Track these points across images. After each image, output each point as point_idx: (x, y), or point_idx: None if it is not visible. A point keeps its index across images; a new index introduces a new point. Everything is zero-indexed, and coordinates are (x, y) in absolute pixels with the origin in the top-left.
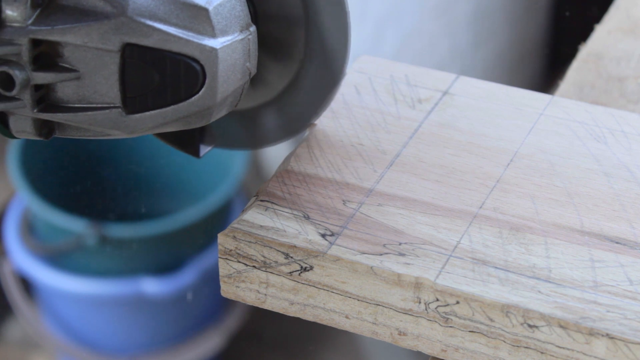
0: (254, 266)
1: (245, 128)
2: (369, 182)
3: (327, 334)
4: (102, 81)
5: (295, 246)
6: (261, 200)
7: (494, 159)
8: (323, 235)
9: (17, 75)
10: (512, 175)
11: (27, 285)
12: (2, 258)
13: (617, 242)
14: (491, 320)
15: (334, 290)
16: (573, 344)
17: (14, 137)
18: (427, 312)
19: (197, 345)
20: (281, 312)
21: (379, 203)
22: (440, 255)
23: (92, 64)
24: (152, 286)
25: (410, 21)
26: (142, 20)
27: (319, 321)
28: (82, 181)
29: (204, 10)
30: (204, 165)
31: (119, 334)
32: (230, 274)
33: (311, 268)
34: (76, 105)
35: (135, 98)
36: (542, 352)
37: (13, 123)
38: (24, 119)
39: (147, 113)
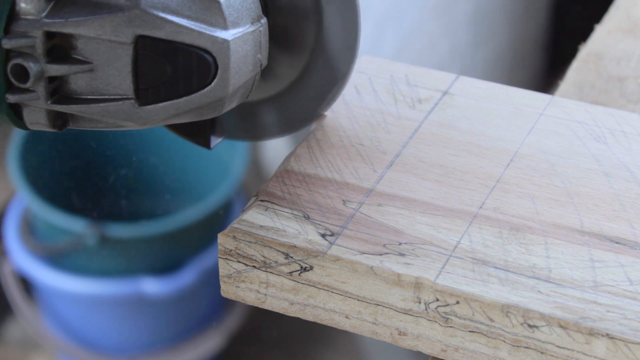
0: (254, 266)
1: (253, 120)
2: (369, 182)
3: (327, 334)
4: (115, 73)
5: (295, 246)
6: (261, 200)
7: (494, 159)
8: (323, 235)
9: (32, 67)
10: (512, 175)
11: (27, 285)
12: (2, 258)
13: (617, 242)
14: (491, 320)
15: (334, 290)
16: (573, 344)
17: (27, 129)
18: (427, 312)
19: (197, 345)
20: (281, 312)
21: (379, 203)
22: (440, 255)
23: (105, 56)
24: (152, 286)
25: (410, 21)
26: (155, 12)
27: (319, 321)
28: (82, 181)
29: (216, 2)
30: (204, 165)
31: (119, 334)
32: (230, 274)
33: (311, 268)
34: (89, 97)
35: (147, 90)
36: (542, 352)
37: (27, 115)
38: (37, 111)
39: (160, 104)
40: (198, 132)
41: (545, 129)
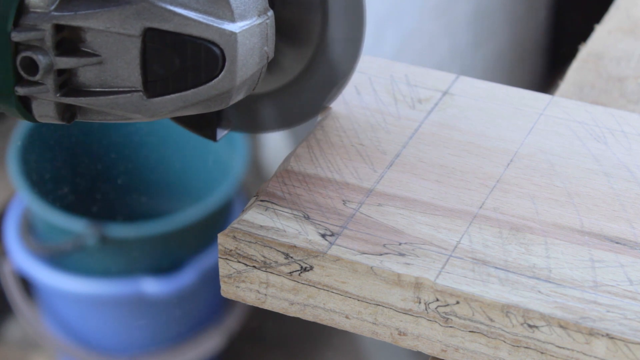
0: (254, 266)
1: (258, 112)
2: (369, 182)
3: (327, 334)
4: (124, 65)
5: (295, 246)
6: (261, 200)
7: (494, 159)
8: (323, 235)
9: (41, 60)
10: (512, 175)
11: (27, 285)
12: (2, 258)
13: (617, 242)
14: (491, 320)
15: (334, 290)
16: (573, 344)
17: (36, 121)
18: (427, 312)
19: (197, 345)
20: (281, 312)
21: (379, 203)
22: (440, 255)
23: (113, 49)
24: (152, 286)
25: (410, 21)
26: (163, 5)
27: (319, 321)
28: (82, 181)
29: None
30: (204, 165)
31: (119, 334)
32: (230, 274)
33: (311, 268)
34: (98, 90)
35: (156, 82)
36: (542, 352)
37: (36, 107)
38: (46, 104)
39: (168, 97)
40: (204, 125)
41: (545, 129)
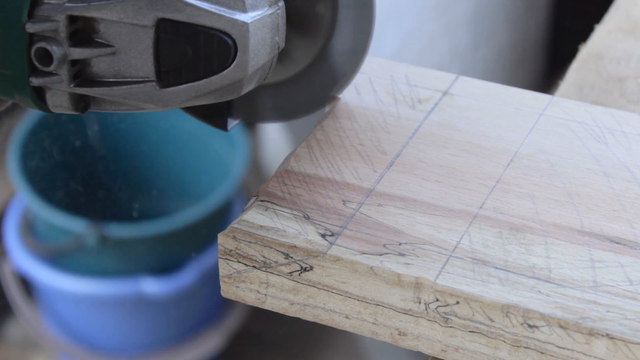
0: (254, 266)
1: (269, 102)
2: (369, 182)
3: (327, 334)
4: (137, 56)
5: (295, 246)
6: (261, 201)
7: (494, 159)
8: (323, 236)
9: (55, 51)
10: (512, 175)
11: (27, 285)
12: (2, 258)
13: (617, 242)
14: (491, 320)
15: (334, 291)
16: (573, 344)
17: (50, 112)
18: (427, 312)
19: (197, 345)
20: (281, 312)
21: (379, 203)
22: (440, 255)
23: (127, 39)
24: (152, 286)
25: (410, 21)
26: None
27: (319, 321)
28: (82, 181)
29: None
30: (204, 165)
31: (119, 334)
32: (230, 274)
33: (311, 268)
34: (111, 80)
35: (169, 72)
36: (542, 352)
37: (50, 98)
38: (60, 94)
39: (181, 86)
40: (215, 115)
41: (545, 129)
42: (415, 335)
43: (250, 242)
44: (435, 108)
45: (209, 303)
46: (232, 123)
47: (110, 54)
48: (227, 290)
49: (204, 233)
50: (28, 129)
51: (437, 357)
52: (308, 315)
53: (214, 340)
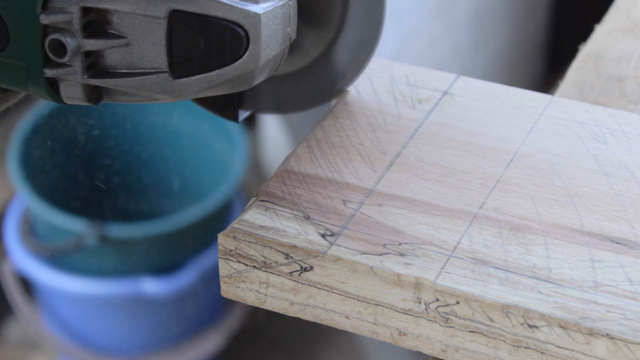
0: (254, 266)
1: (279, 93)
2: (369, 182)
3: (327, 334)
4: (150, 47)
5: (295, 246)
6: (261, 201)
7: (494, 159)
8: (323, 236)
9: (69, 42)
10: (512, 175)
11: (27, 285)
12: (2, 258)
13: (617, 242)
14: (491, 320)
15: (334, 291)
16: (573, 344)
17: (64, 103)
18: (427, 312)
19: (197, 345)
20: (281, 312)
21: (379, 203)
22: (440, 255)
23: (140, 31)
24: (152, 286)
25: (410, 21)
26: None
27: (319, 321)
28: (82, 181)
29: None
30: (204, 165)
31: (119, 334)
32: (231, 274)
33: (311, 268)
34: (124, 71)
35: (181, 63)
36: (542, 352)
37: (63, 89)
38: (74, 85)
39: (193, 77)
40: (226, 106)
41: (545, 129)
42: (415, 335)
43: (250, 242)
44: (435, 108)
45: (209, 303)
46: (243, 114)
47: (123, 45)
48: (227, 290)
49: (204, 233)
50: (28, 129)
51: (437, 357)
52: (308, 315)
53: (214, 340)
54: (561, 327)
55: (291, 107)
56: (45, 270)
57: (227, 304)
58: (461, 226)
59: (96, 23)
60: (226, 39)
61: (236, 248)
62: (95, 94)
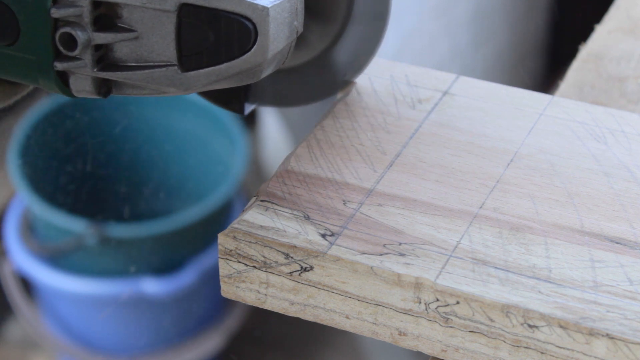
0: (254, 266)
1: (285, 86)
2: (369, 182)
3: (327, 334)
4: (159, 40)
5: (295, 246)
6: (261, 201)
7: (494, 159)
8: (323, 236)
9: (79, 35)
10: (512, 176)
11: (27, 285)
12: (2, 258)
13: (617, 242)
14: (491, 320)
15: (334, 291)
16: (573, 344)
17: (73, 96)
18: (427, 312)
19: (197, 345)
20: (281, 312)
21: (379, 203)
22: (441, 255)
23: (149, 24)
24: (152, 286)
25: (410, 21)
26: None
27: (319, 321)
28: (82, 181)
29: None
30: (204, 165)
31: (119, 334)
32: (231, 274)
33: (311, 268)
34: (134, 64)
35: (190, 56)
36: (542, 352)
37: (73, 82)
38: (84, 78)
39: (202, 70)
40: (233, 99)
41: (545, 129)
42: (415, 335)
43: (250, 242)
44: (435, 108)
45: (209, 303)
46: (249, 107)
47: (133, 38)
48: (227, 290)
49: (204, 233)
50: (28, 129)
51: (437, 357)
52: (308, 315)
53: (214, 340)
54: (561, 327)
55: (296, 100)
56: (45, 270)
57: (227, 304)
58: (461, 226)
59: (106, 16)
60: (235, 32)
61: (236, 248)
62: (104, 87)
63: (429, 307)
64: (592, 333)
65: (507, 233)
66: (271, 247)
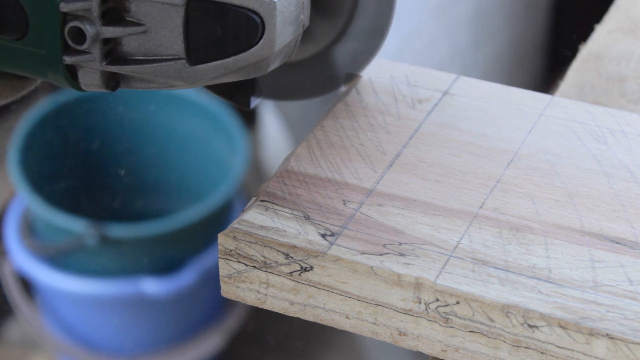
0: (254, 266)
1: (290, 80)
2: (369, 182)
3: (327, 334)
4: (167, 34)
5: (295, 246)
6: (261, 201)
7: (494, 159)
8: (323, 236)
9: (88, 29)
10: (512, 176)
11: (27, 285)
12: (2, 258)
13: (617, 242)
14: (491, 320)
15: (334, 291)
16: (573, 344)
17: (82, 90)
18: (427, 312)
19: (197, 345)
20: (281, 312)
21: (379, 203)
22: (441, 255)
23: (157, 18)
24: (152, 286)
25: (410, 21)
26: None
27: (319, 321)
28: (82, 181)
29: None
30: (204, 165)
31: (119, 334)
32: (231, 274)
33: (311, 268)
34: (142, 58)
35: (198, 50)
36: (542, 352)
37: (82, 76)
38: (92, 72)
39: (210, 64)
40: (238, 93)
41: (545, 129)
42: (415, 335)
43: (250, 242)
44: (435, 108)
45: (209, 303)
46: (255, 101)
47: (141, 32)
48: (227, 290)
49: (204, 233)
50: (28, 129)
51: (437, 357)
52: (308, 315)
53: (214, 340)
54: (561, 327)
55: (301, 94)
56: (45, 270)
57: (227, 304)
58: (461, 226)
59: (114, 10)
60: (242, 26)
61: (236, 248)
62: (112, 81)
63: (429, 307)
64: (592, 333)
65: (507, 233)
66: (271, 247)
